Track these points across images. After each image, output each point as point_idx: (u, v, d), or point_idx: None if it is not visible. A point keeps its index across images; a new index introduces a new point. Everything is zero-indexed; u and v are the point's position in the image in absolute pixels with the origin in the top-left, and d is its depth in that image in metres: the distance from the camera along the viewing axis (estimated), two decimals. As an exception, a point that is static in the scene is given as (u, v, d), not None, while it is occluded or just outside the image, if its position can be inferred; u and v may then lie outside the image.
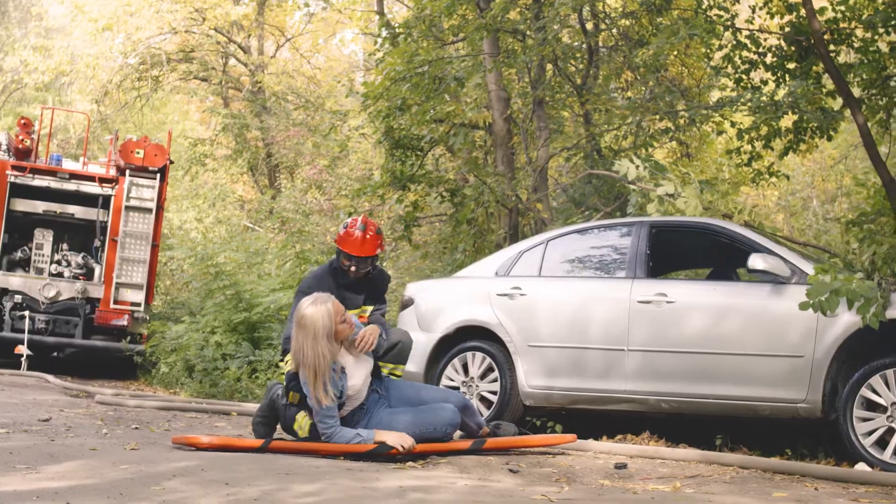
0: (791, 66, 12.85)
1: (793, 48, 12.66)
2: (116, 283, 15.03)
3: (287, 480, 4.28)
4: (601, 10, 15.12)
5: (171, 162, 16.50)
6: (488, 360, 8.16)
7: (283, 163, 26.00)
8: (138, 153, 15.14)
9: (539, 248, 8.49)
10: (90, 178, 15.52)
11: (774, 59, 12.97)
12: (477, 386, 8.11)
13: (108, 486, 4.03)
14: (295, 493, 3.96)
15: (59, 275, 15.37)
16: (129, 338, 14.91)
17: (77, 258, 15.59)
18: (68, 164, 16.20)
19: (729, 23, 12.96)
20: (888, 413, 6.46)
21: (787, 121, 12.54)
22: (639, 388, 7.43)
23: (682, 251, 8.80)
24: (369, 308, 7.04)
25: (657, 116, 13.90)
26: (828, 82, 12.25)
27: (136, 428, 7.09)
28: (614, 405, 7.61)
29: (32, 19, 31.73)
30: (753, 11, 13.28)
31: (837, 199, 24.22)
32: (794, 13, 12.52)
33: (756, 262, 7.02)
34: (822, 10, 12.56)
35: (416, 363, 8.16)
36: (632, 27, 15.25)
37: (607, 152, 15.56)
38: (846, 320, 6.71)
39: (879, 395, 6.51)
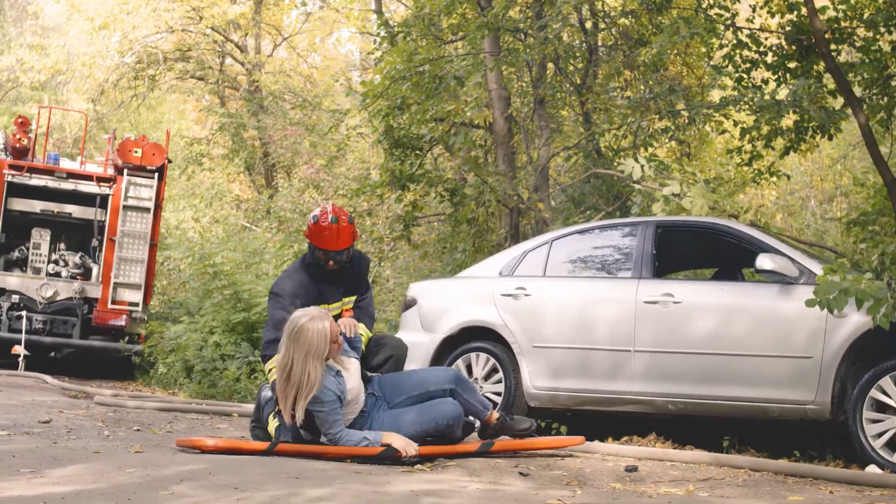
0: (792, 65, 12.80)
1: (793, 47, 12.61)
2: (114, 283, 14.95)
3: (297, 485, 4.21)
4: (600, 10, 15.06)
5: (170, 161, 16.42)
6: (492, 360, 8.09)
7: (280, 162, 25.92)
8: (136, 152, 15.06)
9: (543, 247, 8.42)
10: (88, 178, 15.43)
11: (775, 58, 12.92)
12: (481, 387, 8.04)
13: (116, 490, 3.96)
14: (306, 497, 3.89)
15: (57, 274, 15.28)
16: (126, 338, 14.82)
17: (75, 258, 15.50)
18: (66, 164, 16.11)
19: (729, 22, 12.91)
20: (899, 414, 6.41)
21: (788, 120, 12.48)
22: (645, 389, 7.37)
23: (687, 251, 8.74)
24: (351, 299, 6.80)
25: (657, 116, 13.84)
26: (828, 82, 12.19)
27: (138, 430, 7.01)
28: (621, 406, 7.55)
29: (28, 18, 31.61)
30: (754, 10, 13.23)
31: (835, 199, 24.21)
32: (795, 12, 12.47)
33: (764, 262, 6.96)
34: (824, 9, 12.52)
35: (419, 364, 8.09)
36: (631, 26, 15.19)
37: (607, 152, 15.51)
38: (855, 321, 6.66)
39: (889, 397, 6.46)
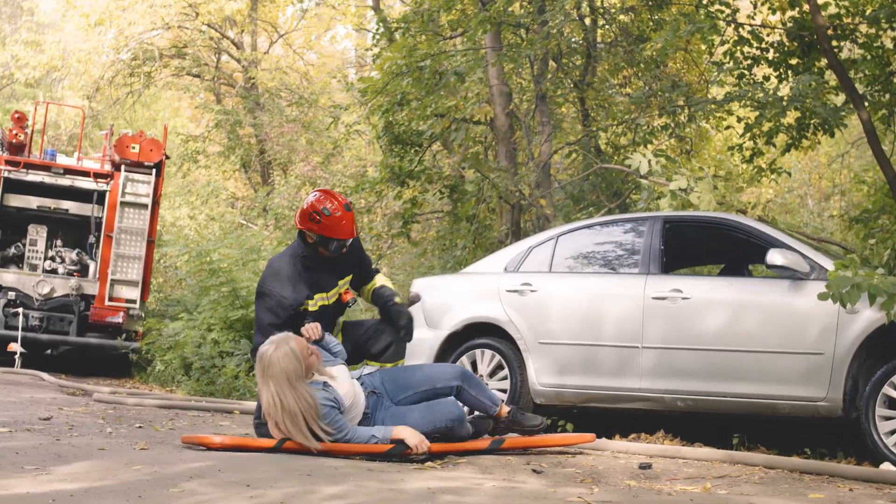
0: (793, 62, 12.74)
1: (795, 44, 12.55)
2: (111, 280, 14.82)
3: (310, 482, 4.12)
4: (599, 6, 14.98)
5: (168, 157, 16.30)
6: (497, 357, 8.00)
7: (277, 160, 25.80)
8: (134, 148, 14.94)
9: (549, 243, 8.33)
10: (85, 174, 15.31)
11: (777, 54, 12.86)
12: (486, 384, 7.94)
13: (125, 488, 3.87)
14: (321, 495, 3.80)
15: (54, 271, 15.16)
16: (123, 335, 14.70)
17: (71, 254, 15.37)
18: (62, 160, 15.98)
19: (730, 18, 12.84)
20: (912, 411, 6.34)
21: (790, 117, 12.41)
22: (654, 386, 7.28)
23: (695, 247, 8.65)
24: (346, 280, 6.55)
25: (657, 113, 13.77)
26: (830, 78, 12.13)
27: (140, 427, 6.92)
28: (628, 403, 7.46)
29: (23, 14, 31.44)
30: (755, 7, 13.16)
31: (832, 197, 24.18)
32: (797, 8, 12.41)
33: (775, 257, 6.88)
34: (826, 5, 12.46)
35: (422, 361, 7.99)
36: (632, 23, 15.12)
37: (607, 148, 15.44)
38: (867, 317, 6.58)
39: (902, 394, 6.39)
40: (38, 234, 15.34)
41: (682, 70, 16.03)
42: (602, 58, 15.65)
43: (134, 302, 14.96)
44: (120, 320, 14.73)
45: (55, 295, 14.81)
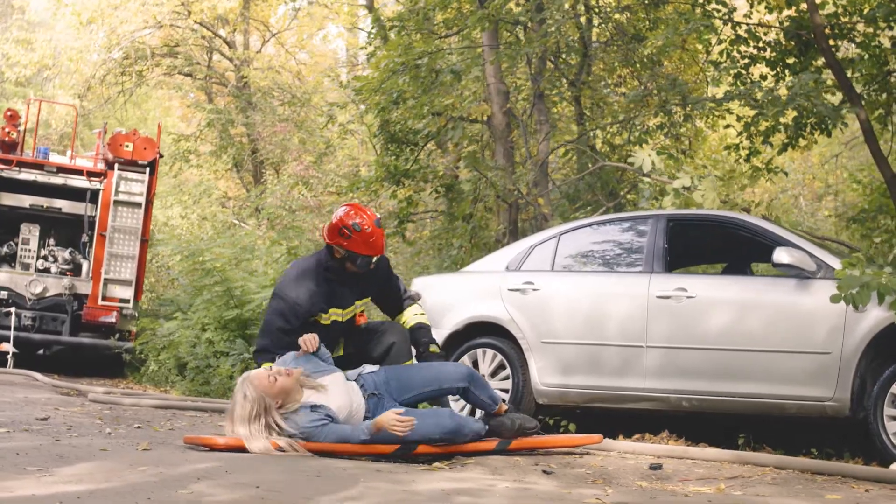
0: (790, 61, 12.70)
1: (792, 43, 12.51)
2: (105, 280, 14.70)
3: (320, 484, 4.03)
4: (595, 5, 14.92)
5: (161, 156, 16.19)
6: (499, 357, 7.92)
7: (269, 159, 25.69)
8: (127, 146, 14.82)
9: (551, 241, 8.25)
10: (78, 172, 15.19)
11: (774, 53, 12.81)
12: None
13: (132, 489, 3.78)
14: (334, 497, 3.71)
15: (46, 270, 15.03)
16: (117, 335, 14.58)
17: (64, 253, 15.25)
18: (55, 158, 15.85)
19: (727, 17, 12.79)
20: (921, 412, 6.28)
21: (787, 116, 12.37)
22: (659, 385, 7.21)
23: (698, 245, 8.57)
24: (364, 301, 6.49)
25: (653, 111, 13.71)
26: (827, 77, 12.09)
27: (139, 427, 6.83)
28: (633, 403, 7.39)
29: (14, 12, 31.26)
30: (751, 6, 13.12)
31: (825, 197, 24.19)
32: (794, 7, 12.37)
33: (782, 255, 6.81)
34: (823, 4, 12.42)
35: (422, 360, 7.91)
36: (628, 22, 15.07)
37: (604, 147, 15.39)
38: (875, 316, 6.52)
39: (911, 394, 6.33)
40: (30, 233, 15.22)
41: (679, 69, 15.99)
42: (597, 57, 15.60)
43: (127, 301, 14.85)
44: (113, 320, 14.61)
45: (48, 294, 14.70)
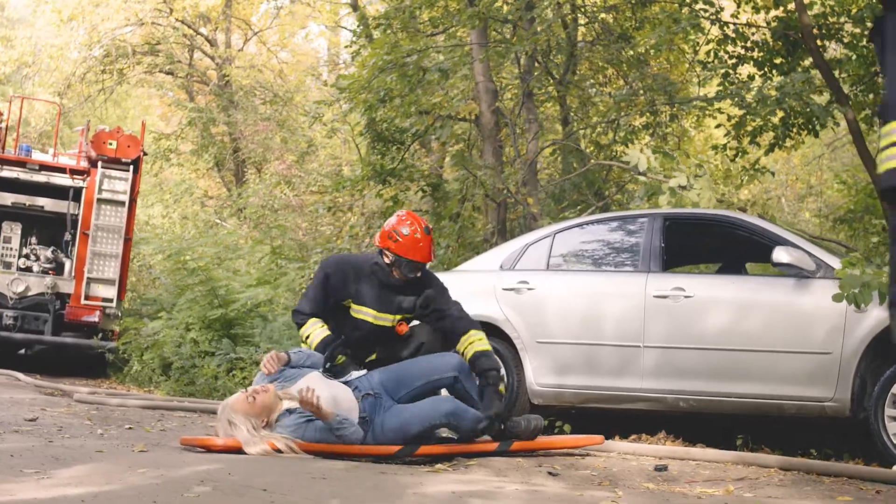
0: (778, 61, 12.69)
1: (779, 43, 12.49)
2: (87, 279, 14.52)
3: (327, 486, 3.94)
4: (581, 4, 14.87)
5: (145, 154, 16.02)
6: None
7: (251, 158, 25.53)
8: (111, 144, 14.64)
9: (546, 240, 8.16)
10: (61, 170, 14.99)
11: (761, 54, 12.80)
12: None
13: (136, 493, 3.67)
14: (347, 501, 3.62)
15: (28, 269, 14.83)
16: (100, 335, 14.41)
17: (46, 252, 15.05)
18: (38, 156, 15.65)
19: (714, 17, 12.76)
20: (922, 412, 6.24)
21: (775, 116, 12.34)
22: (656, 386, 7.15)
23: (695, 245, 8.51)
24: (401, 317, 6.41)
25: (639, 111, 13.67)
26: (815, 77, 12.08)
27: (130, 428, 6.72)
28: (629, 404, 7.33)
29: (-7, 9, 31.04)
30: (739, 6, 13.10)
31: (807, 198, 24.26)
32: (781, 7, 12.35)
33: (781, 255, 6.76)
34: (811, 4, 12.41)
35: (416, 360, 7.82)
36: (615, 21, 15.03)
37: (589, 147, 15.35)
38: (876, 316, 6.48)
39: (912, 394, 6.29)
40: (12, 231, 15.01)
41: (665, 69, 15.96)
42: (583, 56, 15.56)
43: (111, 301, 14.68)
44: (96, 319, 14.43)
45: (30, 293, 14.50)
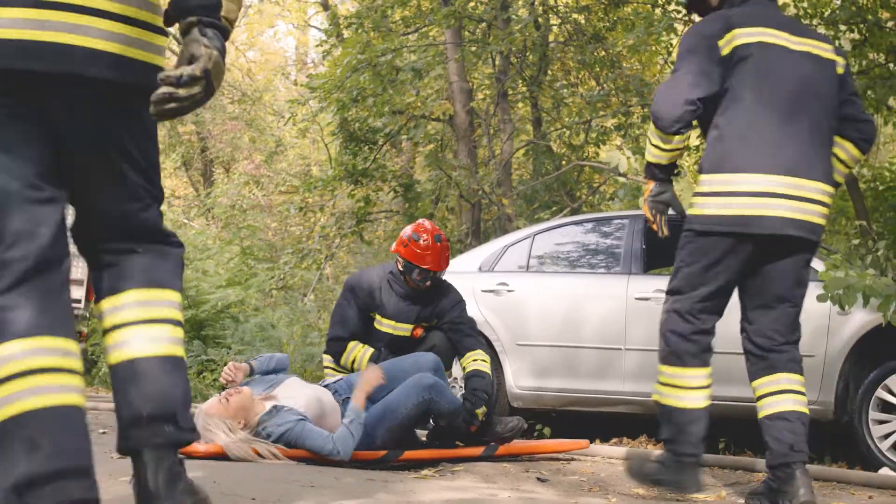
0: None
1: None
2: (55, 279, 14.29)
3: (318, 495, 3.83)
4: (553, 4, 14.82)
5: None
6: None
7: (219, 157, 25.33)
8: (79, 143, 14.42)
9: (525, 241, 8.10)
10: (27, 169, 14.76)
11: (734, 55, 12.78)
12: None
13: (120, 502, 3.55)
14: (340, 510, 3.53)
15: (-7, 270, 14.58)
16: (67, 336, 14.16)
17: (12, 252, 14.81)
18: (3, 154, 15.39)
19: (687, 18, 12.73)
20: (906, 415, 6.23)
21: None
22: (637, 388, 7.10)
23: (675, 246, 8.43)
24: (417, 327, 6.45)
25: (611, 112, 13.63)
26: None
27: (104, 432, 6.55)
28: (610, 407, 7.28)
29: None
30: (713, 7, 13.06)
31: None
32: (755, 9, 12.34)
33: (765, 257, 6.71)
34: (785, 6, 12.42)
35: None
36: (587, 22, 14.98)
37: (560, 149, 15.30)
38: (860, 318, 6.47)
39: (896, 397, 6.27)
40: (-24, 232, 14.76)
41: (637, 69, 15.94)
42: (555, 57, 15.50)
43: (78, 302, 14.38)
44: (64, 321, 14.20)
45: (-5, 294, 14.25)
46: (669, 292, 4.69)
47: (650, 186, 4.72)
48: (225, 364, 11.35)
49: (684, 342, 4.56)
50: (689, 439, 4.45)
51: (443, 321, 6.40)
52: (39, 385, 2.49)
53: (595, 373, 7.28)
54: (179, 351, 2.87)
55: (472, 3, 12.75)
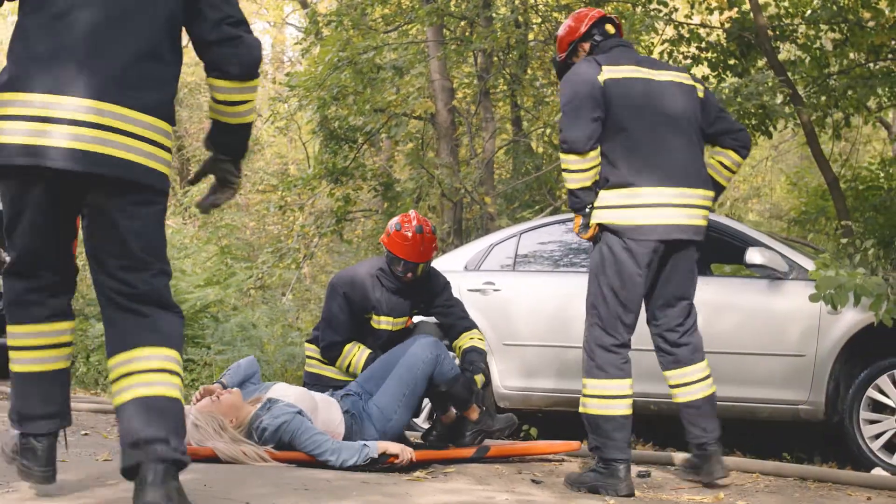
0: (732, 62, 12.67)
1: (733, 44, 12.48)
2: (30, 278, 14.09)
3: (312, 498, 3.75)
4: (534, 3, 14.76)
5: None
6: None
7: (196, 156, 25.14)
8: (55, 140, 14.23)
9: (511, 240, 8.01)
10: (2, 165, 14.55)
11: (715, 54, 12.77)
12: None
13: (112, 507, 3.47)
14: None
15: (-33, 268, 14.38)
16: (43, 336, 13.96)
17: (-15, 250, 14.60)
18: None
19: (668, 17, 12.71)
20: (897, 415, 6.20)
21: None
22: (626, 389, 7.02)
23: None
24: (408, 317, 6.45)
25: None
26: (768, 79, 12.06)
27: (86, 434, 6.45)
28: (598, 407, 7.19)
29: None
30: (692, 7, 13.06)
31: (751, 200, 24.44)
32: (735, 8, 12.34)
33: (754, 256, 6.68)
34: (766, 5, 12.42)
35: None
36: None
37: (539, 148, 15.25)
38: (850, 318, 6.42)
39: (887, 396, 6.24)
40: (-51, 228, 14.55)
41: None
42: (534, 56, 15.44)
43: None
44: (39, 320, 14.01)
45: (-31, 293, 14.05)
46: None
47: (578, 220, 5.20)
48: (205, 364, 11.30)
49: (607, 353, 5.15)
50: (616, 445, 4.88)
51: (433, 306, 6.37)
52: None
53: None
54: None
55: (453, 1, 12.66)
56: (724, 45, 12.57)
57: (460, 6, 12.63)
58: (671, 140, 5.04)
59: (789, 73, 11.71)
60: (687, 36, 12.80)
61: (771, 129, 12.26)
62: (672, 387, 5.35)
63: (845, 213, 11.44)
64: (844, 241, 7.62)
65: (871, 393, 6.27)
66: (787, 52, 14.38)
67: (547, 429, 7.62)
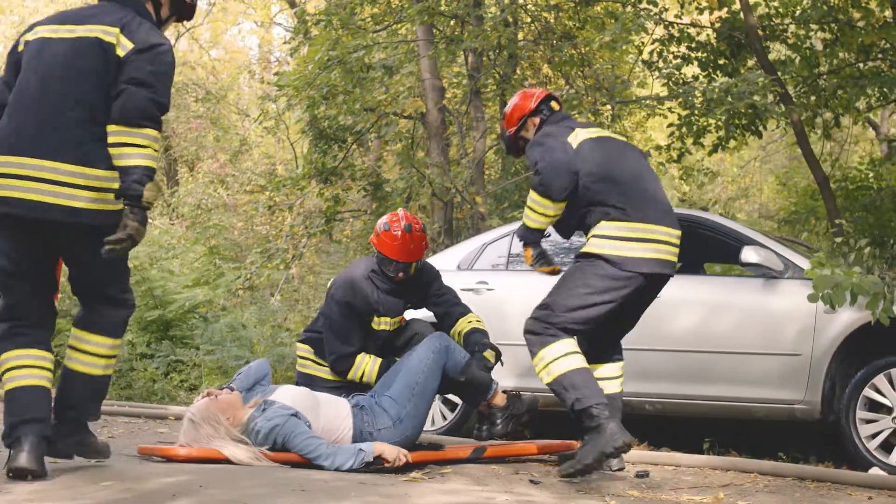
0: (721, 62, 12.67)
1: (724, 44, 12.47)
2: (17, 279, 13.99)
3: (309, 499, 3.70)
4: (523, 3, 14.71)
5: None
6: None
7: (183, 156, 25.02)
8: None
9: (505, 240, 7.95)
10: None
11: (705, 54, 12.76)
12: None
13: (107, 509, 3.41)
14: (337, 515, 3.40)
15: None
16: (30, 337, 13.85)
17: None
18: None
19: (658, 17, 12.69)
20: (894, 414, 6.16)
21: (719, 117, 12.28)
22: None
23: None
24: (408, 312, 6.39)
25: (580, 112, 13.54)
26: (758, 79, 12.05)
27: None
28: (593, 407, 7.15)
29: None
30: (682, 6, 13.04)
31: (739, 200, 24.44)
32: (725, 8, 12.34)
33: (749, 255, 6.63)
34: (756, 5, 12.42)
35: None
36: (557, 20, 14.89)
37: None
38: (847, 317, 6.40)
39: (884, 396, 6.21)
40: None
41: (608, 68, 15.86)
42: (523, 56, 15.40)
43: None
44: (26, 322, 13.91)
45: (-45, 294, 13.94)
46: None
47: (529, 253, 5.62)
48: (195, 365, 11.23)
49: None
50: (592, 392, 5.03)
51: (426, 297, 6.31)
52: None
53: (577, 372, 7.16)
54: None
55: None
56: (715, 44, 12.56)
57: (451, 5, 12.56)
58: (651, 183, 5.50)
59: (779, 73, 11.70)
60: (677, 36, 12.79)
61: (761, 128, 12.26)
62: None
63: (836, 213, 11.44)
64: (839, 240, 7.60)
65: (868, 392, 6.24)
66: (776, 51, 14.39)
67: (541, 429, 7.58)
